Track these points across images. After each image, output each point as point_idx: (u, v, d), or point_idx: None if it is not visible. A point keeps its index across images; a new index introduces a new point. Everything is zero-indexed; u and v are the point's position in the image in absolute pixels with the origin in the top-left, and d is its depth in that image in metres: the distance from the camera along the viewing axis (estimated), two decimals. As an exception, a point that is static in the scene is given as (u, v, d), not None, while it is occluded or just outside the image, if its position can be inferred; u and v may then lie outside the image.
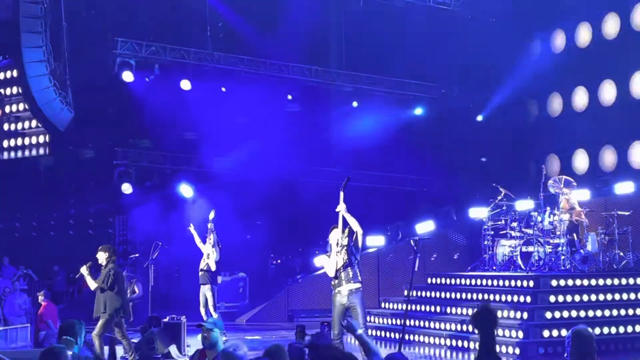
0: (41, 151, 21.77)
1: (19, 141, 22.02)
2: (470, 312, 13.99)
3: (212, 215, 14.82)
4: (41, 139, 21.83)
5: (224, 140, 20.85)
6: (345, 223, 10.32)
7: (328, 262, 10.43)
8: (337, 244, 10.35)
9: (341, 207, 10.34)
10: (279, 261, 24.13)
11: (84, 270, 11.77)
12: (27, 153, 21.88)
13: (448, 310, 14.71)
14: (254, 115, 20.98)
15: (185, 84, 20.99)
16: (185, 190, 21.31)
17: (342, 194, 10.38)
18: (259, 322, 19.12)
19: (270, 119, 20.95)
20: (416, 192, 22.72)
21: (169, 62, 20.80)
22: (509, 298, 13.76)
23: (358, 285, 10.35)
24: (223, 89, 21.48)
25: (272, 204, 21.66)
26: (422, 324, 14.88)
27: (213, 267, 14.72)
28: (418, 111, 22.80)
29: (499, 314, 13.39)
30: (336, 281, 10.37)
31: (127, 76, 20.38)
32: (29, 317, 15.84)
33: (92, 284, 11.70)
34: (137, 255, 19.86)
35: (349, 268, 10.31)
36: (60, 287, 21.88)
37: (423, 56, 21.32)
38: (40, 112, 21.13)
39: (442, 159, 21.78)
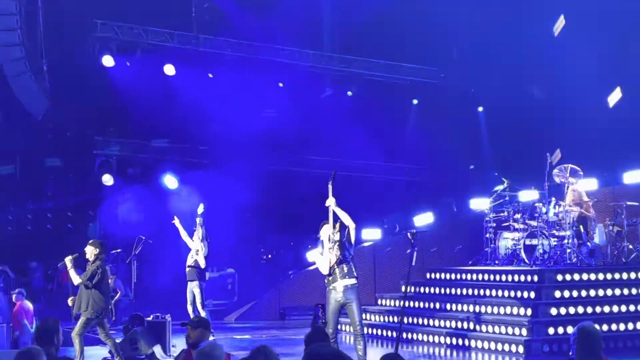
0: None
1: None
2: (472, 308, 14.06)
3: (200, 209, 14.79)
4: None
5: (211, 128, 20.81)
6: (336, 218, 10.34)
7: (321, 260, 10.45)
8: (329, 240, 10.36)
9: (330, 202, 10.35)
10: (269, 256, 24.15)
11: (68, 261, 11.70)
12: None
13: (448, 306, 14.75)
14: (243, 101, 20.94)
15: (169, 69, 20.93)
16: (170, 181, 21.27)
17: (330, 187, 10.40)
18: (249, 320, 19.14)
19: (259, 105, 20.93)
20: (414, 182, 22.74)
21: (151, 45, 20.73)
22: (512, 294, 13.79)
23: (354, 280, 10.38)
24: (210, 75, 21.42)
25: (262, 195, 21.65)
26: (420, 321, 14.91)
27: (202, 264, 14.71)
28: (415, 102, 22.81)
29: (502, 310, 13.46)
30: (330, 278, 10.39)
31: (107, 61, 20.31)
32: (4, 317, 15.81)
33: (76, 278, 11.66)
34: (119, 250, 19.84)
35: (343, 264, 10.33)
36: (39, 284, 21.85)
37: (421, 37, 21.30)
38: (15, 99, 21.03)
39: (441, 148, 21.79)
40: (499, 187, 16.75)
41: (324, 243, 10.46)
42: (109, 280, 16.32)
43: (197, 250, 14.79)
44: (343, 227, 10.38)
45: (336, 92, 21.92)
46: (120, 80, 20.51)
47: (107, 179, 20.95)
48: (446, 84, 22.75)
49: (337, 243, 10.32)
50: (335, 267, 10.33)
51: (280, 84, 22.10)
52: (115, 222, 20.73)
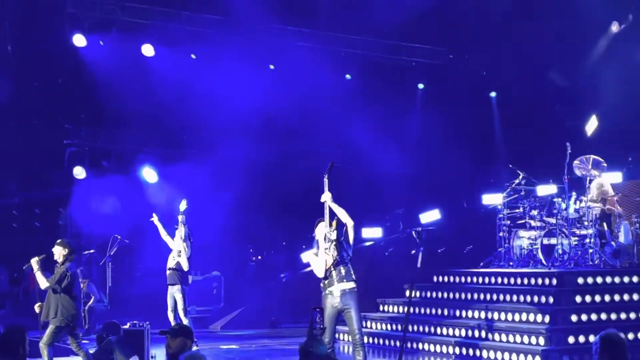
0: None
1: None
2: (483, 315, 14.07)
3: (183, 205, 14.79)
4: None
5: (195, 115, 20.77)
6: (333, 215, 10.33)
7: (316, 261, 10.44)
8: (325, 239, 10.35)
9: (326, 197, 10.35)
10: (259, 257, 24.14)
11: (34, 262, 11.68)
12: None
13: (457, 313, 14.77)
14: (230, 85, 20.90)
15: (148, 50, 20.87)
16: (149, 174, 21.25)
17: (326, 181, 10.39)
18: (237, 329, 19.16)
19: (248, 89, 20.89)
20: (420, 175, 22.73)
21: (128, 23, 20.66)
22: (528, 298, 13.81)
23: (352, 284, 10.38)
24: (193, 56, 21.37)
25: (251, 190, 21.64)
26: (426, 329, 14.94)
27: (185, 266, 14.72)
28: (420, 86, 22.79)
29: (517, 316, 13.47)
30: (327, 281, 10.39)
31: (79, 40, 20.24)
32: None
33: (43, 282, 11.63)
34: (92, 251, 19.83)
35: (340, 266, 10.33)
36: (3, 288, 21.84)
37: (427, 14, 21.26)
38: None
39: (449, 137, 21.77)
40: (514, 181, 16.75)
41: (319, 243, 10.45)
42: (81, 285, 16.34)
43: (179, 251, 14.80)
44: (340, 225, 10.37)
45: (333, 75, 21.88)
46: (93, 62, 20.45)
47: (79, 172, 20.90)
48: (455, 67, 22.72)
49: (334, 243, 10.31)
50: (332, 269, 10.33)
51: (271, 66, 22.04)
52: (87, 220, 20.68)
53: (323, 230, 10.43)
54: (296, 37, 21.84)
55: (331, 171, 10.46)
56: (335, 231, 10.35)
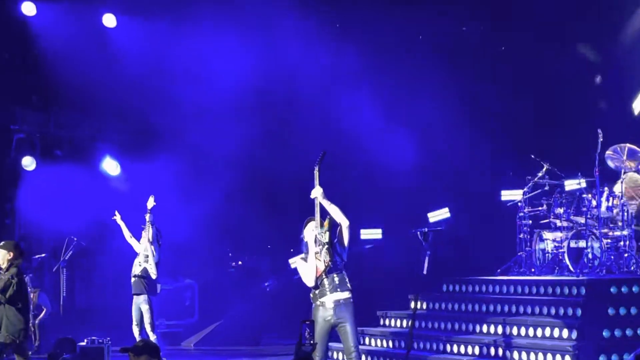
0: None
1: None
2: (500, 330, 14.10)
3: (150, 202, 14.80)
4: None
5: (164, 97, 20.74)
6: (325, 213, 10.31)
7: (305, 267, 10.44)
8: (316, 242, 10.34)
9: (317, 192, 10.34)
10: (240, 263, 24.13)
11: (-26, 269, 11.68)
12: None
13: (470, 327, 14.78)
14: (205, 61, 20.85)
15: (109, 20, 20.82)
16: (110, 165, 21.22)
17: (317, 173, 10.39)
18: (213, 346, 19.17)
19: (228, 65, 20.84)
20: (427, 166, 22.71)
21: (85, -12, 20.62)
22: (553, 311, 13.82)
23: (347, 294, 10.38)
24: (161, 27, 21.32)
25: (231, 184, 21.63)
26: (434, 347, 14.93)
27: (154, 274, 14.75)
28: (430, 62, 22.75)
29: (539, 332, 13.49)
30: (318, 291, 10.39)
31: (28, 8, 20.17)
32: None
33: (-17, 291, 11.63)
34: (43, 255, 19.79)
35: (333, 273, 10.34)
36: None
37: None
38: None
39: (461, 122, 21.76)
40: (537, 174, 16.76)
41: (309, 246, 10.44)
42: (31, 295, 16.31)
43: (145, 255, 14.82)
44: (333, 226, 10.37)
45: (328, 49, 21.83)
46: (45, 35, 20.39)
47: (28, 163, 20.85)
48: (469, 40, 22.68)
49: (326, 246, 10.31)
50: (324, 277, 10.33)
51: (255, 37, 21.96)
52: (38, 219, 20.65)
53: (313, 231, 10.41)
54: (287, 2, 21.72)
55: (322, 162, 10.44)
56: (327, 232, 10.34)
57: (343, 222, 10.34)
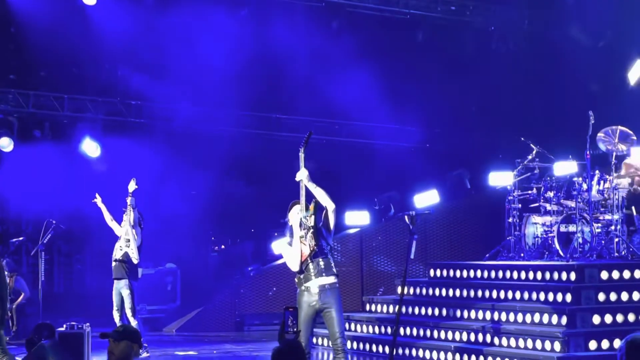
0: None
1: None
2: (489, 316, 14.11)
3: (132, 186, 14.75)
4: None
5: (146, 76, 20.66)
6: (310, 196, 10.28)
7: (290, 252, 10.41)
8: (301, 225, 10.32)
9: (302, 175, 10.30)
10: (222, 247, 24.11)
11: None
12: None
13: (458, 313, 14.80)
14: (189, 39, 20.74)
15: (89, -4, 20.68)
16: (90, 147, 21.13)
17: (302, 155, 10.34)
18: (195, 332, 19.14)
19: (214, 43, 20.72)
20: (415, 149, 22.73)
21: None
22: (542, 296, 13.84)
23: (333, 279, 10.37)
24: (144, 4, 21.19)
25: (212, 167, 21.58)
26: (421, 333, 14.97)
27: (135, 258, 14.72)
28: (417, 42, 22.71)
29: (528, 317, 13.51)
30: (302, 276, 10.37)
31: (5, -16, 20.03)
32: None
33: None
34: (21, 238, 19.71)
35: (319, 258, 10.32)
36: None
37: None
38: None
39: (450, 104, 21.75)
40: (527, 157, 16.77)
41: (294, 230, 10.42)
42: (7, 279, 16.23)
43: (127, 239, 14.77)
44: (319, 209, 10.34)
45: (316, 29, 21.74)
46: (24, 13, 20.26)
47: (6, 144, 20.73)
48: (458, 20, 22.65)
49: (311, 230, 10.28)
50: (309, 261, 10.31)
51: (242, 13, 21.86)
52: (16, 201, 20.58)
53: (298, 215, 10.38)
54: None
55: (308, 143, 10.39)
56: (312, 216, 10.31)
57: (329, 205, 10.30)
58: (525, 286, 14.33)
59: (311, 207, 10.35)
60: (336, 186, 17.64)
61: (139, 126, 21.36)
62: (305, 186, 10.32)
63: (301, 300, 10.37)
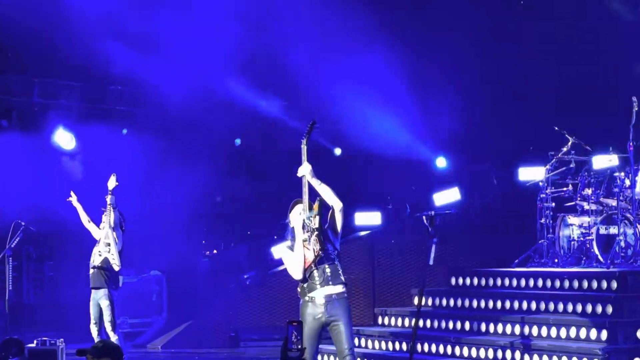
0: None
1: None
2: (518, 330, 14.09)
3: (112, 182, 14.72)
4: None
5: (126, 58, 20.66)
6: (314, 194, 10.25)
7: (291, 258, 10.38)
8: (304, 227, 10.29)
9: (305, 170, 10.25)
10: (215, 252, 24.12)
11: None
12: None
13: (482, 327, 14.80)
14: (178, 15, 20.74)
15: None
16: (64, 138, 21.15)
17: (305, 147, 10.29)
18: (183, 348, 19.16)
19: (205, 22, 20.75)
20: (433, 142, 22.72)
21: None
22: (579, 308, 13.85)
23: (341, 288, 10.34)
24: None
25: (205, 160, 21.60)
26: (441, 349, 14.95)
27: (116, 265, 14.71)
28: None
29: (563, 332, 13.49)
30: (306, 285, 10.35)
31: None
32: None
33: None
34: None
35: (325, 264, 10.29)
36: None
37: None
38: None
39: (472, 89, 21.74)
40: (561, 149, 16.76)
41: (296, 232, 10.38)
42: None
43: (106, 243, 14.76)
44: (324, 209, 10.30)
45: (326, 7, 21.71)
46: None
47: (-30, 135, 20.81)
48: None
49: (316, 232, 10.25)
50: (313, 268, 10.28)
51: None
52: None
53: (300, 216, 10.35)
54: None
55: (311, 134, 10.36)
56: (317, 217, 10.27)
57: (335, 204, 10.27)
58: (560, 296, 14.33)
59: (315, 206, 10.31)
60: (344, 183, 17.64)
61: (120, 114, 21.39)
62: (309, 183, 10.29)
63: (305, 313, 10.35)
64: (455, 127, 22.26)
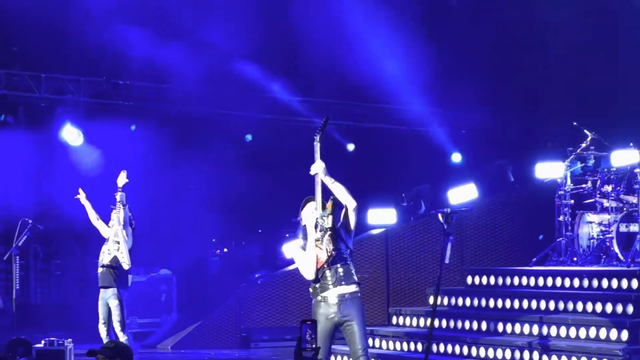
0: None
1: None
2: (536, 330, 14.06)
3: (122, 179, 14.70)
4: None
5: (136, 52, 20.67)
6: (327, 193, 10.22)
7: (303, 257, 10.36)
8: (317, 227, 10.26)
9: (317, 167, 10.22)
10: (225, 250, 24.11)
11: None
12: None
13: (500, 327, 14.80)
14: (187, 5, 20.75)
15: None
16: (71, 134, 21.16)
17: (318, 145, 10.27)
18: (194, 348, 19.15)
19: (219, 8, 20.74)
20: (448, 136, 22.70)
21: None
22: (599, 307, 13.82)
23: (354, 288, 10.33)
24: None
25: (214, 156, 21.60)
26: (457, 350, 14.95)
27: (126, 263, 14.70)
28: None
29: (582, 332, 13.45)
30: (319, 285, 10.34)
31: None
32: None
33: None
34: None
35: (337, 264, 10.28)
36: None
37: None
38: None
39: (489, 82, 21.67)
40: (580, 145, 16.72)
41: (308, 231, 10.36)
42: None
43: (116, 241, 14.75)
44: (338, 208, 10.27)
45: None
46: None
47: (-25, 131, 20.85)
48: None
49: (329, 232, 10.22)
50: (326, 268, 10.26)
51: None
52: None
53: (313, 214, 10.33)
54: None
55: (324, 130, 10.33)
56: (330, 216, 10.25)
57: (349, 203, 10.24)
58: (579, 296, 14.31)
59: (328, 205, 10.29)
60: (357, 179, 17.62)
61: (129, 110, 21.36)
62: (322, 181, 10.26)
63: (317, 313, 10.34)
64: (470, 122, 22.25)
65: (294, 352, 7.82)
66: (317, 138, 10.34)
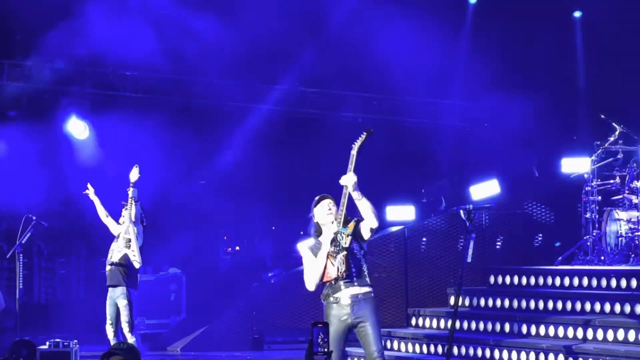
0: None
1: None
2: (561, 332, 14.07)
3: (134, 174, 14.72)
4: None
5: (144, 43, 20.70)
6: (352, 207, 10.21)
7: (312, 264, 10.35)
8: (334, 243, 10.23)
9: (349, 180, 10.16)
10: (237, 248, 24.14)
11: None
12: None
13: (523, 329, 14.79)
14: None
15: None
16: (77, 127, 21.21)
17: (354, 155, 10.22)
18: (203, 351, 19.19)
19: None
20: (471, 130, 22.71)
21: None
22: (627, 308, 13.81)
23: (368, 288, 10.36)
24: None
25: (227, 151, 21.63)
26: (479, 352, 14.95)
27: (137, 262, 14.75)
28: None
29: (610, 334, 13.46)
30: (331, 288, 10.35)
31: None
32: None
33: None
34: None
35: (351, 265, 10.27)
36: None
37: None
38: None
39: (513, 73, 21.68)
40: (608, 139, 16.71)
41: (323, 242, 10.31)
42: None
43: (127, 239, 14.77)
44: (359, 230, 10.27)
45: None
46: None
47: (-23, 124, 20.92)
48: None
49: (344, 252, 10.20)
50: (333, 282, 10.27)
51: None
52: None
53: (328, 214, 10.30)
54: None
55: (363, 145, 10.26)
56: (350, 237, 10.23)
57: (372, 222, 10.17)
58: (606, 296, 14.31)
59: (351, 225, 10.27)
60: (375, 174, 17.65)
61: (137, 101, 21.40)
62: (349, 194, 10.22)
63: (330, 314, 10.35)
64: (493, 115, 22.24)
65: (305, 356, 7.85)
66: (355, 149, 10.30)
